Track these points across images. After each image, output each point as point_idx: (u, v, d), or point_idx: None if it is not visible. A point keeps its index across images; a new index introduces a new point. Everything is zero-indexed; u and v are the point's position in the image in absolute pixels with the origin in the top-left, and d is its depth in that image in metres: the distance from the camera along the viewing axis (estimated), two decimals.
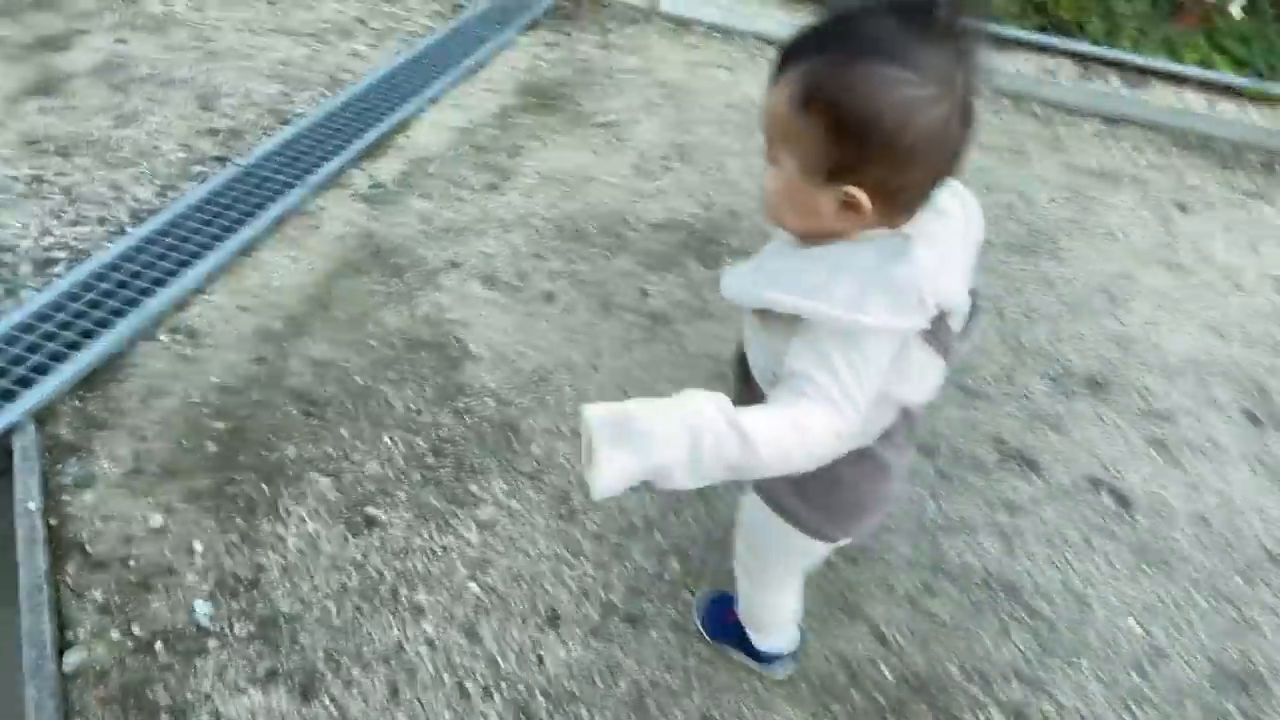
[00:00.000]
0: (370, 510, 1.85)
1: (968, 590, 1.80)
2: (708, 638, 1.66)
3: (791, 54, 0.88)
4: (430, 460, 1.96)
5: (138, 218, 2.60)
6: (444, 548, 1.80)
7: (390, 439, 2.01)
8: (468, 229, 2.66)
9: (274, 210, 2.63)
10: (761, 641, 1.56)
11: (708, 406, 0.81)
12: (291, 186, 2.74)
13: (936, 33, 0.83)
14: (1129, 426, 2.19)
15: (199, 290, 2.36)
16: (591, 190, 2.87)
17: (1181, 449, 2.13)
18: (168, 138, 2.95)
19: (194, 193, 2.68)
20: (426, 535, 1.82)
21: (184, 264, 2.40)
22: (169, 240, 2.48)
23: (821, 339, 0.88)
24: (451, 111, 3.22)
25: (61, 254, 2.45)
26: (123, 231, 2.54)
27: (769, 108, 0.90)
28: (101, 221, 2.58)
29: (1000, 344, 2.41)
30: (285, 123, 3.07)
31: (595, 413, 0.78)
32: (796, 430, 0.84)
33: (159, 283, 2.33)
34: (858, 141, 0.84)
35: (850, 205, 0.89)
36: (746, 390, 1.16)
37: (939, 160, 0.88)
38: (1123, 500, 2.00)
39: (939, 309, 0.91)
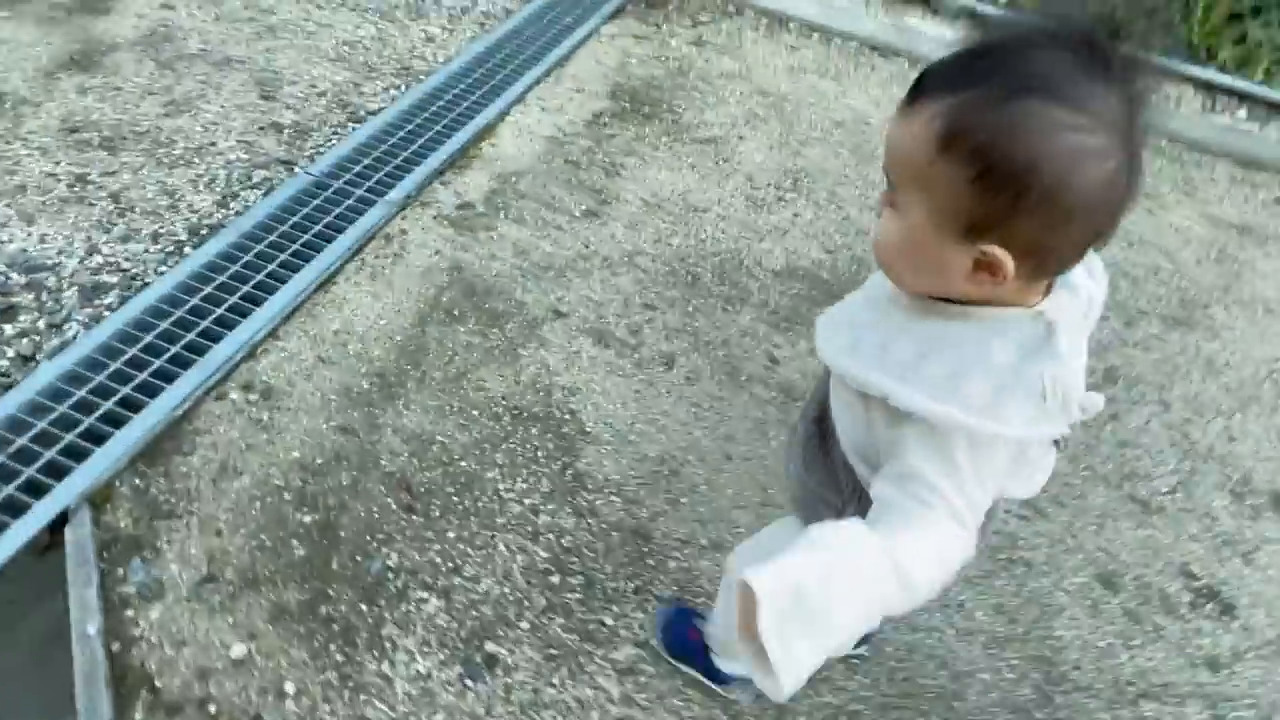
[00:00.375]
0: (490, 646, 1.53)
1: None
2: (668, 656, 1.50)
3: (934, 81, 0.72)
4: (554, 579, 1.64)
5: (196, 234, 2.22)
6: (579, 701, 1.49)
7: (506, 546, 1.68)
8: (569, 267, 2.30)
9: (352, 232, 2.25)
10: (728, 665, 1.42)
11: (877, 556, 0.68)
12: (370, 203, 2.35)
13: (1111, 71, 0.67)
14: None
15: (272, 334, 2.00)
16: (703, 224, 2.50)
17: None
18: (226, 132, 2.55)
19: (260, 205, 2.30)
20: (558, 683, 1.50)
21: (253, 298, 2.03)
22: (234, 266, 2.11)
23: (949, 443, 0.74)
24: (539, 115, 2.82)
25: (112, 279, 2.07)
26: (181, 252, 2.16)
27: (897, 142, 0.74)
28: (156, 238, 2.20)
29: (1170, 446, 2.09)
30: (357, 120, 2.66)
31: (761, 589, 0.63)
32: (942, 565, 0.72)
33: (226, 322, 1.97)
34: (1011, 194, 0.68)
35: (988, 267, 0.72)
36: (823, 453, 0.98)
37: (1100, 222, 0.72)
38: None
39: (1082, 412, 0.77)
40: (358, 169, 2.44)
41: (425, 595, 1.58)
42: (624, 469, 1.83)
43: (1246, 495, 2.00)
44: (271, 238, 2.19)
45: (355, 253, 2.22)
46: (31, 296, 1.99)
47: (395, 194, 2.38)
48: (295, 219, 2.26)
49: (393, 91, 2.82)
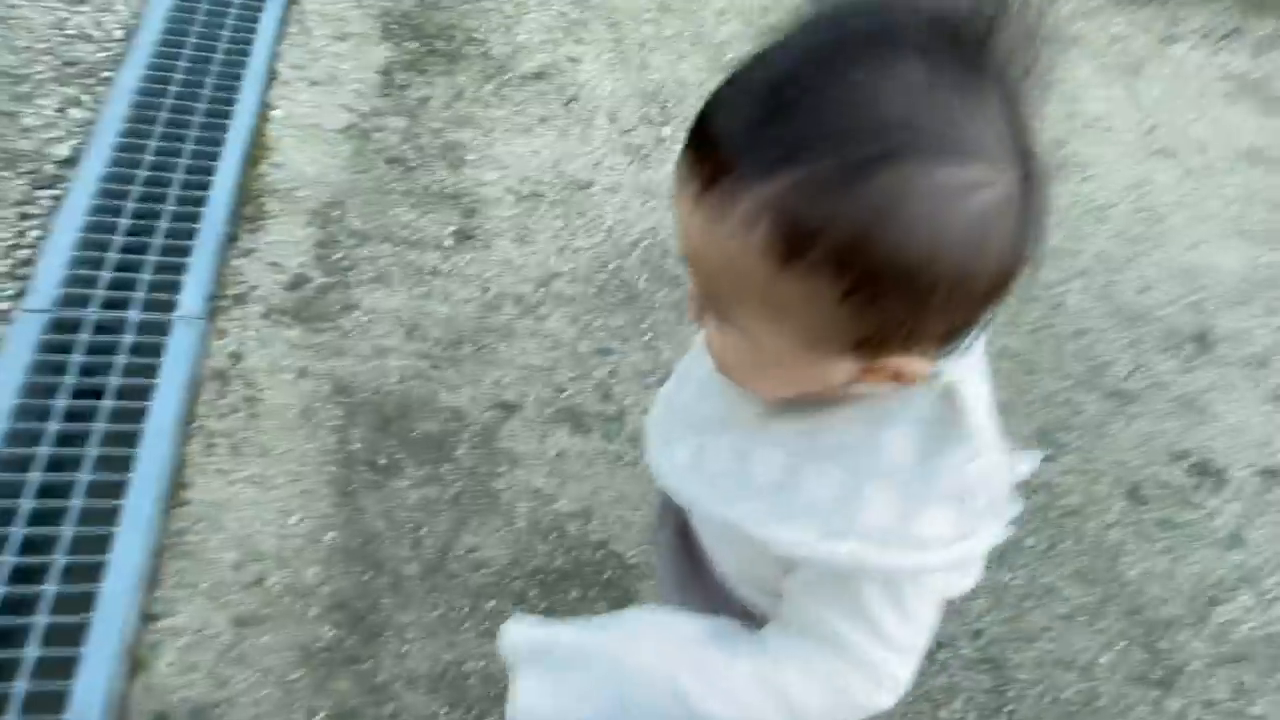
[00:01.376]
0: None
1: None
2: None
3: (734, 147, 0.42)
4: None
5: None
6: None
7: None
8: (482, 329, 1.66)
9: (164, 393, 1.42)
10: None
11: (654, 651, 0.57)
12: (157, 331, 1.49)
13: (987, 71, 0.41)
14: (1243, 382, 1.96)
15: (146, 617, 1.25)
16: (596, 206, 1.91)
17: None
18: None
19: None
20: None
21: (86, 571, 1.24)
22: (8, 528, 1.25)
23: (856, 590, 0.55)
24: (310, 95, 1.92)
25: None
26: None
27: (705, 249, 0.46)
28: None
29: (1109, 318, 2.03)
30: (43, 185, 1.64)
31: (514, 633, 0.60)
32: (832, 695, 0.57)
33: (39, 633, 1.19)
34: (908, 299, 0.43)
35: (888, 373, 0.49)
36: (696, 575, 0.73)
37: (1020, 261, 0.45)
38: None
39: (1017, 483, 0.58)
40: (105, 281, 1.52)
41: None
42: None
43: (1181, 347, 2.02)
44: (39, 451, 1.32)
45: (186, 426, 1.41)
46: None
47: (188, 301, 1.52)
48: (59, 408, 1.37)
49: (74, 114, 1.76)
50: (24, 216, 1.59)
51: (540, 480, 1.47)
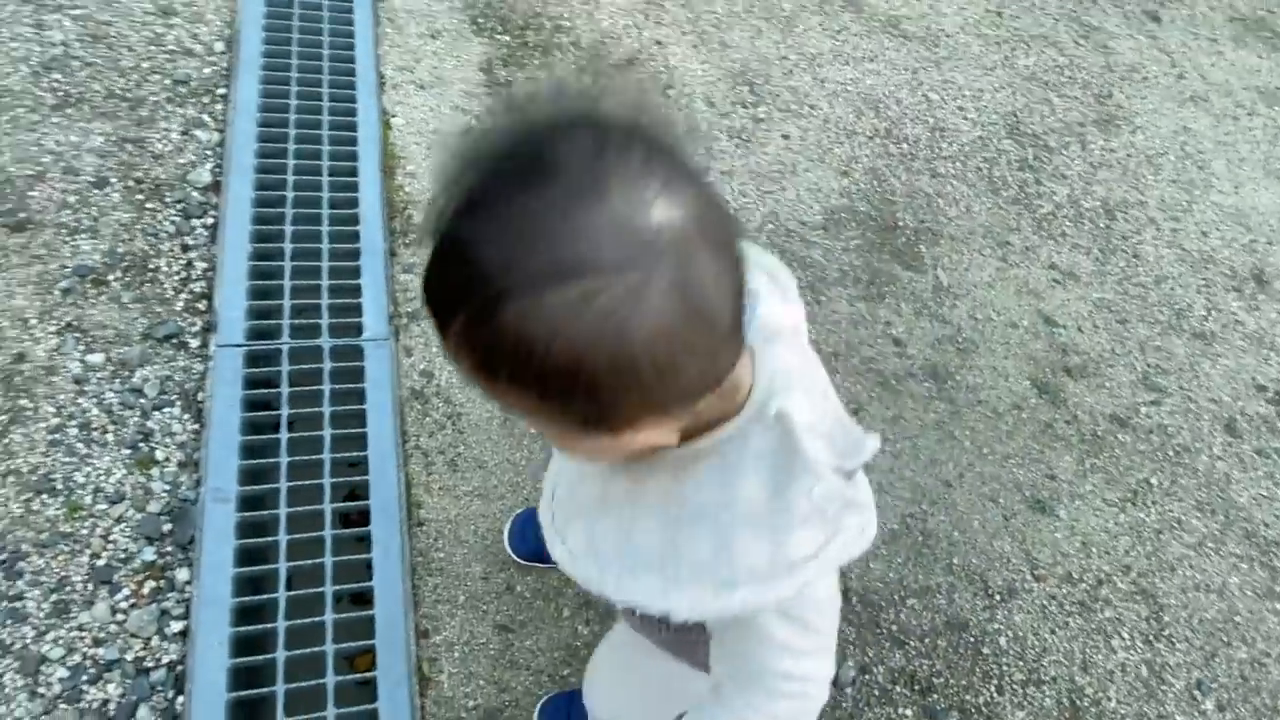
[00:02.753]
0: None
1: None
2: None
3: (429, 297, 0.52)
4: None
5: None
6: None
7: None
8: None
9: (378, 423, 1.46)
10: None
11: None
12: (350, 356, 1.51)
13: (595, 187, 0.47)
14: None
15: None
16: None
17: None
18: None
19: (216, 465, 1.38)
20: None
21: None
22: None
23: (763, 627, 0.63)
24: (422, 99, 1.91)
25: None
26: None
27: (455, 366, 0.54)
28: None
29: (1180, 264, 2.19)
30: (193, 215, 1.61)
31: None
32: (788, 714, 0.67)
33: None
34: (581, 397, 0.49)
35: (638, 443, 0.55)
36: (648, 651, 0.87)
37: (706, 330, 0.50)
38: None
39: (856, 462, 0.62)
40: (287, 309, 1.53)
41: None
42: (884, 563, 1.54)
43: (1243, 286, 2.19)
44: (278, 487, 1.35)
45: (403, 446, 1.45)
46: None
47: (371, 323, 1.55)
48: (282, 442, 1.39)
49: (201, 135, 1.72)
50: (185, 248, 1.57)
51: None
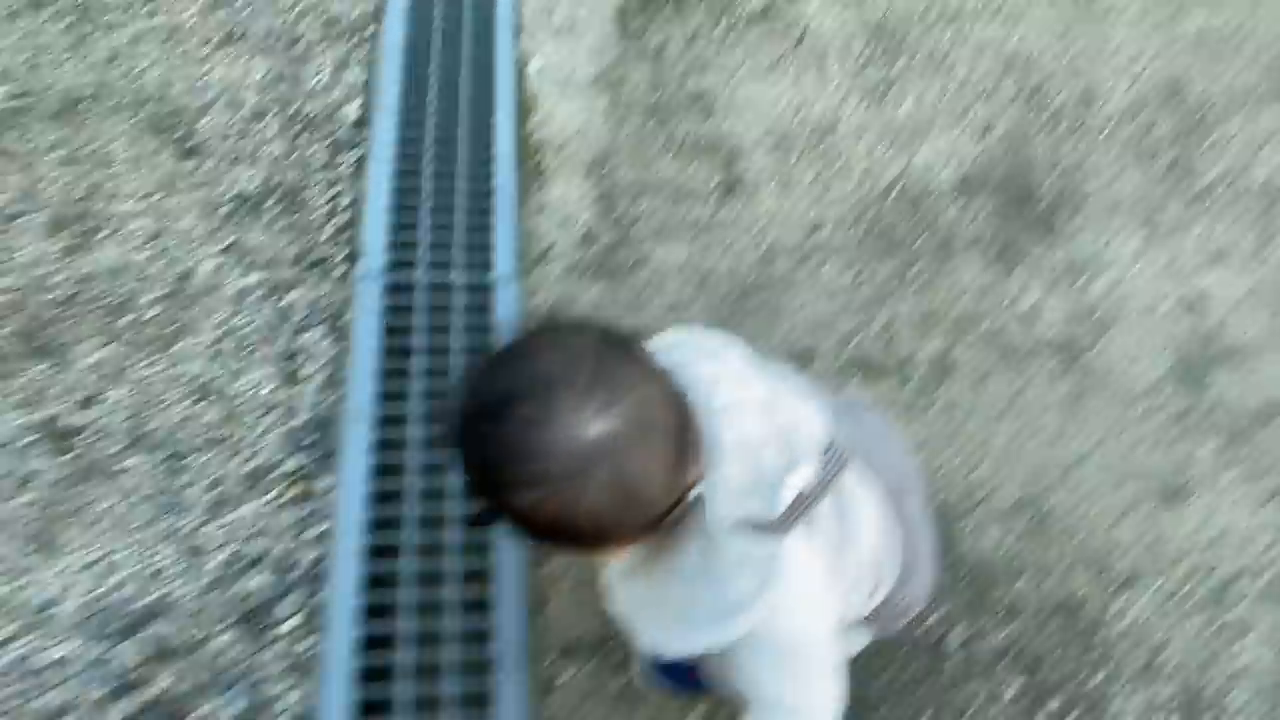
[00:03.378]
0: None
1: None
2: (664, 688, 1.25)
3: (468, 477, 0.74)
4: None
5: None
6: None
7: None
8: (761, 284, 1.70)
9: None
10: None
11: None
12: (482, 292, 1.57)
13: (545, 413, 0.66)
14: None
15: None
16: (846, 151, 1.91)
17: None
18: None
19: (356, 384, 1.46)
20: None
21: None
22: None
23: (738, 659, 0.80)
24: (555, 46, 1.93)
25: None
26: None
27: None
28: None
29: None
30: (345, 148, 1.70)
31: None
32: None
33: None
34: (562, 543, 0.78)
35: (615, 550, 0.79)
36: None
37: (640, 503, 0.71)
38: None
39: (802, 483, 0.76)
40: (424, 244, 1.59)
41: None
42: (998, 538, 1.50)
43: None
44: (409, 408, 1.42)
45: None
46: None
47: (501, 261, 1.59)
48: (419, 368, 1.46)
49: (349, 75, 1.79)
50: (332, 181, 1.65)
51: None
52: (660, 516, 0.72)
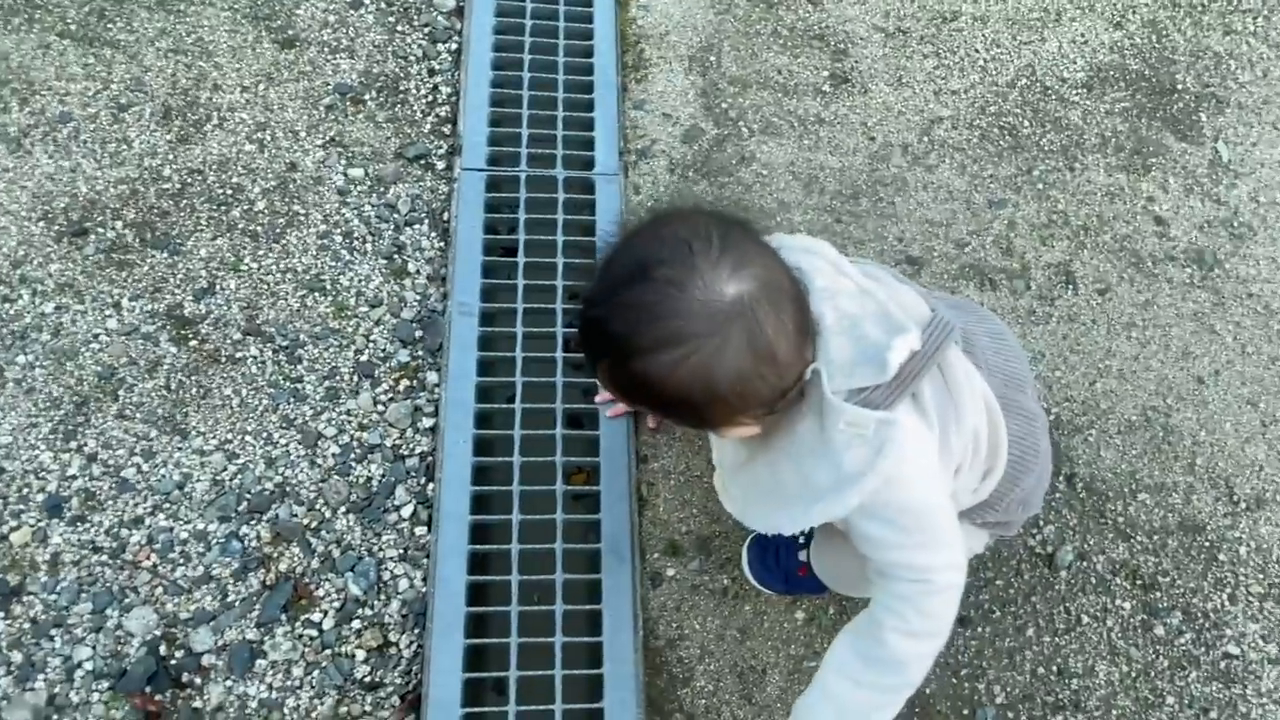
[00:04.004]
0: None
1: None
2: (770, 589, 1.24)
3: (589, 347, 0.80)
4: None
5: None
6: None
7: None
8: (876, 182, 1.62)
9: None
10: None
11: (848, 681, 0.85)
12: (586, 187, 1.53)
13: (679, 278, 0.71)
14: None
15: None
16: (967, 41, 1.76)
17: None
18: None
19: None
20: None
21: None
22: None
23: (858, 525, 0.82)
24: None
25: None
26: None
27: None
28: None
29: None
30: (438, 40, 1.64)
31: None
32: (932, 595, 0.83)
33: None
34: (695, 414, 0.79)
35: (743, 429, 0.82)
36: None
37: (780, 363, 0.75)
38: None
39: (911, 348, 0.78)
40: (525, 139, 1.55)
41: None
42: (1117, 454, 1.43)
43: None
44: (517, 306, 1.41)
45: None
46: None
47: (602, 157, 1.54)
48: (520, 265, 1.44)
49: None
50: (431, 72, 1.61)
51: None
52: (785, 390, 0.76)
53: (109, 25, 1.57)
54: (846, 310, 0.78)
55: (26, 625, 1.13)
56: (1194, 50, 1.80)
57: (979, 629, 1.26)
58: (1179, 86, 1.75)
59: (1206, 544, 1.35)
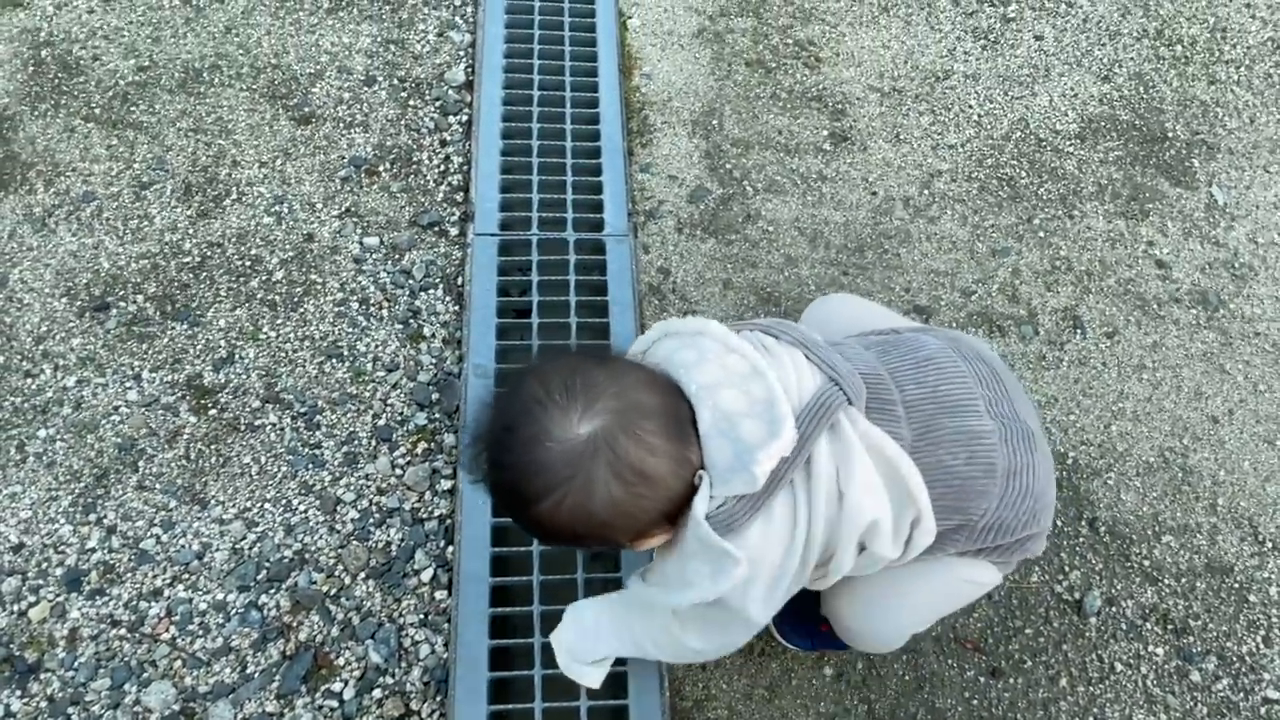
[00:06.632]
0: None
1: None
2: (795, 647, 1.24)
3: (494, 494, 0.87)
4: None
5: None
6: None
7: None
8: (880, 234, 1.65)
9: (618, 315, 1.50)
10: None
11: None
12: (594, 250, 1.56)
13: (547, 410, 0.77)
14: None
15: None
16: (959, 98, 1.82)
17: None
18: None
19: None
20: None
21: None
22: None
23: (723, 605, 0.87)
24: (655, 1, 1.90)
25: None
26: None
27: None
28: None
29: None
30: (449, 112, 1.70)
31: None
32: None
33: None
34: (592, 542, 0.90)
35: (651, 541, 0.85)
36: None
37: (649, 484, 0.78)
38: None
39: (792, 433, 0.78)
40: (536, 203, 1.59)
41: None
42: (1137, 496, 1.43)
43: None
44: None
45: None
46: None
47: (612, 219, 1.58)
48: (534, 326, 1.47)
49: (454, 37, 1.79)
50: (443, 143, 1.66)
51: None
52: (677, 498, 0.78)
53: (132, 108, 1.63)
54: (725, 409, 0.78)
55: (44, 704, 1.11)
56: (1181, 100, 1.86)
57: (1011, 680, 1.24)
58: (1169, 134, 1.80)
59: (1235, 585, 1.34)
